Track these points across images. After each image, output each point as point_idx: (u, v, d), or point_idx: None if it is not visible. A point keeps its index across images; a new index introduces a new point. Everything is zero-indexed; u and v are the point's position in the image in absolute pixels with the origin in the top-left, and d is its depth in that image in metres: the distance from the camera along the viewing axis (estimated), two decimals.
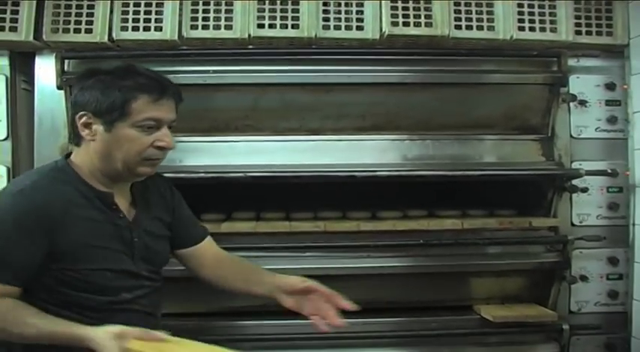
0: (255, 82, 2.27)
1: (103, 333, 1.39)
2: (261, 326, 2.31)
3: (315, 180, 2.24)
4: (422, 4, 2.22)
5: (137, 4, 2.21)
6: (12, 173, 2.29)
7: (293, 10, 2.20)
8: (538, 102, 2.40)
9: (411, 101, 2.35)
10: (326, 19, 2.21)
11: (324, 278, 2.27)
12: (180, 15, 2.19)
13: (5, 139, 2.30)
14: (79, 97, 1.59)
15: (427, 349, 2.34)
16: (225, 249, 2.17)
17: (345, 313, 2.33)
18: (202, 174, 2.19)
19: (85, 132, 1.58)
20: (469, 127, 2.39)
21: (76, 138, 1.63)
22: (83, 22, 2.20)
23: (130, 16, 2.20)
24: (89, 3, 2.20)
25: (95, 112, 1.55)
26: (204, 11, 2.21)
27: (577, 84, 2.38)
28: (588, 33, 2.33)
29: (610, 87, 2.40)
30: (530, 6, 2.29)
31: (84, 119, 1.57)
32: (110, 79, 1.57)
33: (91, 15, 2.20)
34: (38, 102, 2.29)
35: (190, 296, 2.25)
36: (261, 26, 2.19)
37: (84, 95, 1.58)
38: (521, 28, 2.26)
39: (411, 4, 2.22)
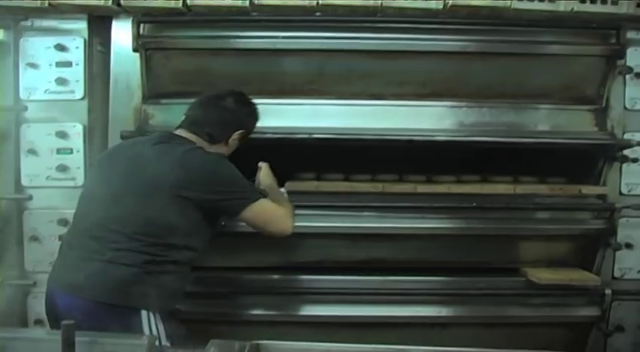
0: (321, 48, 2.39)
1: None
2: (317, 280, 2.49)
3: (375, 144, 2.39)
4: None
5: None
6: (87, 131, 2.48)
7: None
8: (594, 74, 2.48)
9: (470, 70, 2.46)
10: None
11: (380, 236, 2.43)
12: None
13: (82, 99, 2.47)
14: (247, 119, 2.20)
15: (474, 308, 2.52)
16: None
17: (397, 271, 2.48)
18: (269, 135, 2.35)
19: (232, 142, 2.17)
20: (525, 96, 2.48)
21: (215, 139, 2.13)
22: None
23: None
24: None
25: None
26: None
27: (635, 56, 2.45)
28: None
29: None
30: None
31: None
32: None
33: None
34: (114, 64, 2.45)
35: (249, 251, 2.42)
36: None
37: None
38: (583, 0, 2.31)
39: None
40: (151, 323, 1.89)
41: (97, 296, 1.85)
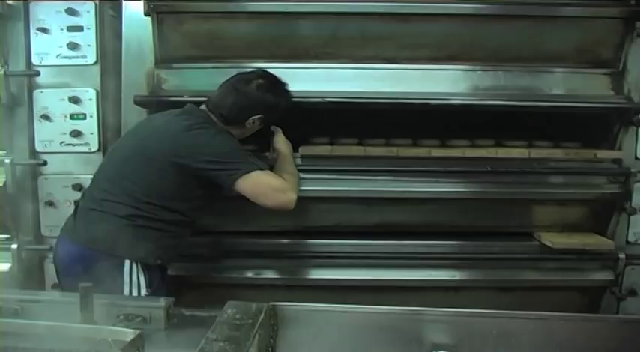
0: (334, 11, 2.38)
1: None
2: (332, 244, 2.53)
3: (390, 107, 2.39)
4: None
5: None
6: (100, 96, 2.50)
7: None
8: (611, 36, 2.46)
9: (485, 33, 2.44)
10: None
11: (394, 200, 2.45)
12: None
13: (94, 64, 2.49)
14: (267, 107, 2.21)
15: (488, 271, 2.55)
16: (302, 171, 2.37)
17: (412, 235, 2.52)
18: None
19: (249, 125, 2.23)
20: (541, 60, 2.47)
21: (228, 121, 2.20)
22: None
23: None
24: None
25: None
26: None
27: None
28: None
29: None
30: None
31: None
32: None
33: None
34: (126, 28, 2.45)
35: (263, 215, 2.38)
36: None
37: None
38: None
39: None
40: (132, 272, 2.06)
41: (89, 243, 2.05)
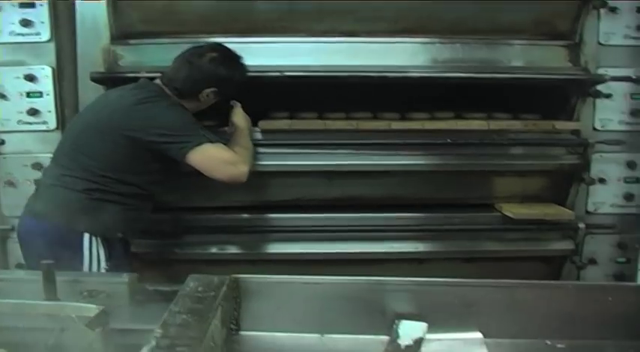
0: None
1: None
2: (294, 218, 2.58)
3: (348, 81, 2.41)
4: None
5: None
6: (56, 73, 2.49)
7: None
8: (568, 8, 2.50)
9: (442, 5, 2.46)
10: None
11: (355, 174, 2.50)
12: None
13: (49, 41, 2.47)
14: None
15: (451, 243, 2.61)
16: (262, 145, 2.40)
17: (373, 208, 2.56)
18: None
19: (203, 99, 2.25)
20: (498, 32, 2.50)
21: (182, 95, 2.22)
22: None
23: None
24: None
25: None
26: None
27: None
28: None
29: None
30: None
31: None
32: None
33: None
34: (79, 4, 2.43)
35: (225, 190, 2.41)
36: None
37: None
38: None
39: None
40: (92, 246, 2.10)
41: (49, 217, 2.08)
